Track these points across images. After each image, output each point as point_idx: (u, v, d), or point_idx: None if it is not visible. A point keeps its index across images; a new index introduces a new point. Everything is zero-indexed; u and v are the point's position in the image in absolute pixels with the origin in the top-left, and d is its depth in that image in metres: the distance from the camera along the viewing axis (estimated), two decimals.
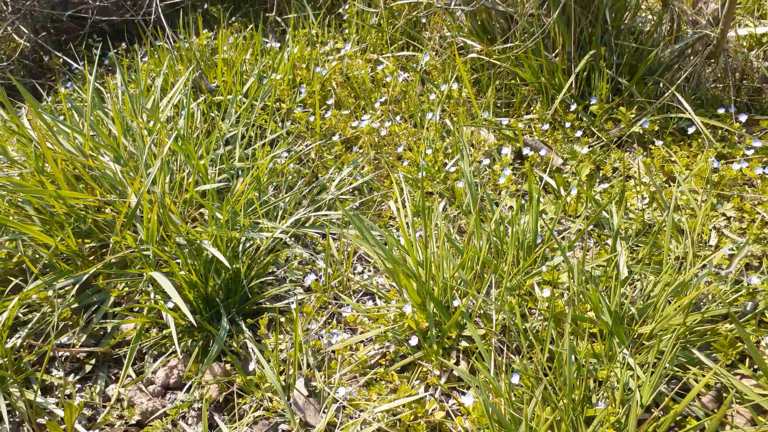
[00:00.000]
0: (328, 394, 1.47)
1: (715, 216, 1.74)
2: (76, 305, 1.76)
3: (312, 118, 2.34)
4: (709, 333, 1.42)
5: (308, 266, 1.86)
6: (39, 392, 1.56)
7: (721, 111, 2.02)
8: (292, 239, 1.94)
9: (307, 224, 1.96)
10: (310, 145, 2.26)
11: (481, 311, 1.56)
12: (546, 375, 1.36)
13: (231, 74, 2.46)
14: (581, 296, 1.50)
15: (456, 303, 1.54)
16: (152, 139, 2.00)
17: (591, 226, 1.82)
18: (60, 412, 1.53)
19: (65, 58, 3.03)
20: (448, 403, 1.43)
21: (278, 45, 2.79)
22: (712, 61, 2.15)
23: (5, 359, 1.55)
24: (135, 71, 2.81)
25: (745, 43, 2.44)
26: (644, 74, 2.15)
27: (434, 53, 2.62)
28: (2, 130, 2.23)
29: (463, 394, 1.43)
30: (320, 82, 2.50)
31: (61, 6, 3.15)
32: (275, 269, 1.84)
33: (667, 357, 1.26)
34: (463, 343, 1.51)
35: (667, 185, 1.91)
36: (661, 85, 2.15)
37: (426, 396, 1.42)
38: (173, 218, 1.74)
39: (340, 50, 2.76)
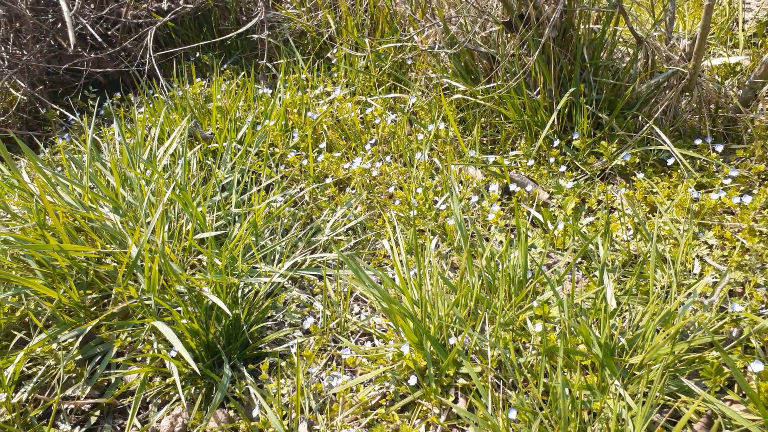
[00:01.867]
0: None
1: (698, 244, 1.81)
2: (79, 357, 1.79)
3: (305, 162, 2.41)
4: (697, 361, 1.47)
5: (306, 309, 1.90)
6: None
7: (698, 141, 2.10)
8: (290, 282, 1.99)
9: (303, 266, 2.01)
10: (304, 188, 2.32)
11: (477, 348, 1.61)
12: (542, 409, 1.40)
13: (225, 122, 2.54)
14: (572, 330, 1.55)
15: (452, 340, 1.59)
16: (150, 189, 2.06)
17: (578, 259, 1.88)
18: None
19: (61, 109, 3.10)
20: None
21: (270, 91, 2.87)
22: (687, 93, 2.25)
23: (13, 414, 1.58)
24: (131, 121, 2.88)
25: (719, 74, 2.54)
26: (623, 109, 2.24)
27: (420, 94, 2.71)
28: (3, 185, 2.28)
29: (463, 431, 1.46)
30: (312, 126, 2.57)
31: (57, 59, 3.24)
32: (274, 313, 1.88)
33: (657, 386, 1.30)
34: (461, 380, 1.55)
35: (650, 216, 1.98)
36: (640, 118, 2.23)
37: None
38: (173, 267, 1.79)
39: (329, 94, 2.85)
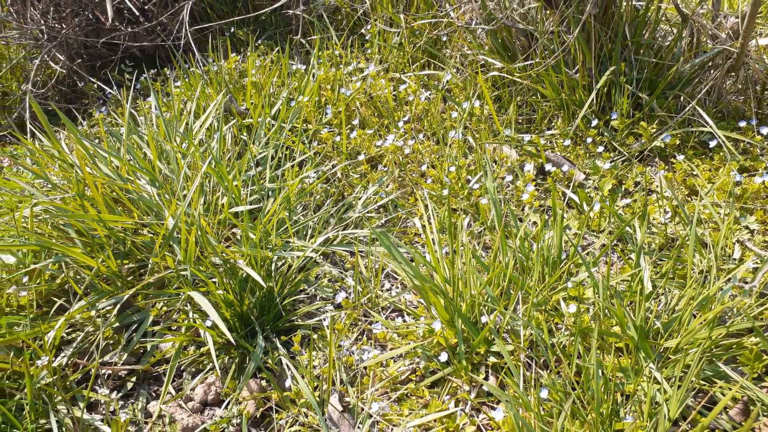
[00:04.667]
0: (362, 409, 1.52)
1: (739, 229, 1.76)
2: (117, 325, 1.83)
3: (338, 138, 2.41)
4: (734, 347, 1.44)
5: (338, 283, 1.92)
6: (85, 409, 1.63)
7: (742, 124, 2.04)
8: (322, 257, 2.00)
9: (335, 242, 2.02)
10: (337, 165, 2.33)
11: (509, 327, 1.60)
12: (574, 389, 1.39)
13: (259, 97, 2.54)
14: (607, 311, 1.54)
15: (483, 319, 1.58)
16: (187, 162, 2.08)
17: (614, 241, 1.85)
18: (105, 429, 1.60)
19: (99, 83, 3.15)
20: (478, 417, 1.47)
21: (303, 67, 2.87)
22: (733, 74, 2.17)
23: (54, 377, 1.63)
24: (167, 95, 2.91)
25: (766, 54, 2.45)
26: (664, 89, 2.18)
27: (455, 71, 2.67)
28: (43, 155, 2.34)
29: (493, 408, 1.46)
30: (345, 102, 2.57)
31: (94, 33, 3.28)
32: (306, 287, 1.90)
33: (693, 371, 1.28)
34: (492, 359, 1.55)
35: (689, 199, 1.93)
36: (682, 99, 2.17)
37: (457, 411, 1.46)
38: (210, 239, 1.81)
39: (363, 70, 2.83)
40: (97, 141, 2.72)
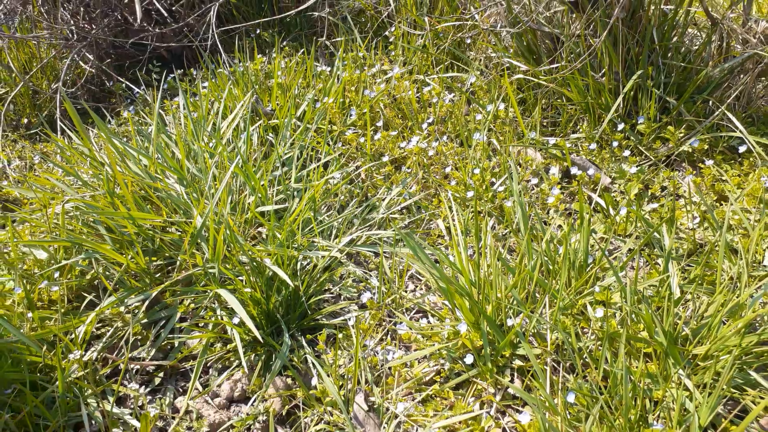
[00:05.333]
0: (387, 409, 1.53)
1: None
2: (145, 321, 1.86)
3: (362, 140, 2.42)
4: (765, 354, 1.42)
5: (362, 284, 1.93)
6: (114, 403, 1.66)
7: None
8: (346, 257, 2.01)
9: (359, 243, 2.03)
10: (361, 166, 2.34)
11: (534, 330, 1.60)
12: (601, 394, 1.39)
13: (285, 98, 2.57)
14: (634, 316, 1.53)
15: (509, 322, 1.58)
16: (214, 162, 2.11)
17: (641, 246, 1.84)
18: (133, 422, 1.63)
19: (127, 82, 3.20)
20: (503, 420, 1.47)
21: (328, 68, 2.89)
22: (763, 78, 2.15)
23: (85, 371, 1.66)
24: (194, 95, 2.95)
25: None
26: (693, 93, 2.16)
27: (479, 74, 2.67)
28: (74, 153, 2.38)
29: (519, 411, 1.46)
30: (369, 104, 2.58)
31: (123, 33, 3.33)
32: (331, 286, 1.92)
33: (724, 378, 1.27)
34: (517, 362, 1.55)
35: (718, 205, 1.92)
36: (711, 103, 2.15)
37: (482, 413, 1.46)
38: (237, 238, 1.83)
39: (387, 72, 2.84)
40: (125, 140, 2.76)
